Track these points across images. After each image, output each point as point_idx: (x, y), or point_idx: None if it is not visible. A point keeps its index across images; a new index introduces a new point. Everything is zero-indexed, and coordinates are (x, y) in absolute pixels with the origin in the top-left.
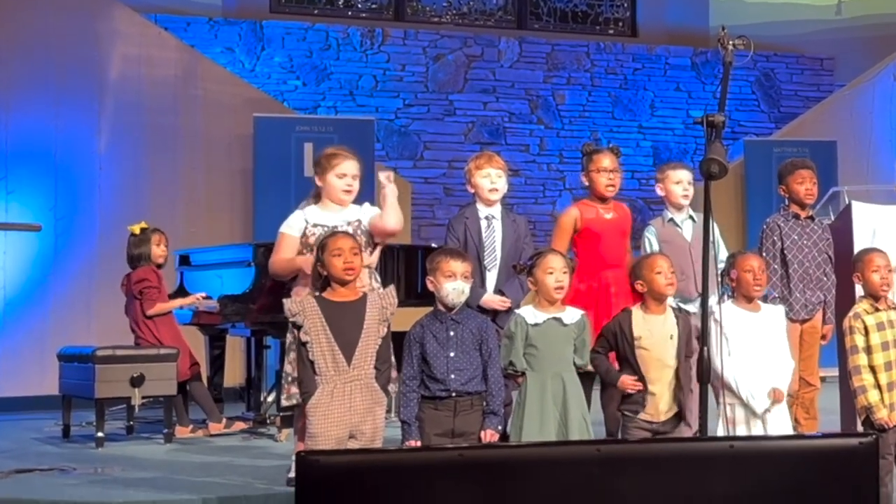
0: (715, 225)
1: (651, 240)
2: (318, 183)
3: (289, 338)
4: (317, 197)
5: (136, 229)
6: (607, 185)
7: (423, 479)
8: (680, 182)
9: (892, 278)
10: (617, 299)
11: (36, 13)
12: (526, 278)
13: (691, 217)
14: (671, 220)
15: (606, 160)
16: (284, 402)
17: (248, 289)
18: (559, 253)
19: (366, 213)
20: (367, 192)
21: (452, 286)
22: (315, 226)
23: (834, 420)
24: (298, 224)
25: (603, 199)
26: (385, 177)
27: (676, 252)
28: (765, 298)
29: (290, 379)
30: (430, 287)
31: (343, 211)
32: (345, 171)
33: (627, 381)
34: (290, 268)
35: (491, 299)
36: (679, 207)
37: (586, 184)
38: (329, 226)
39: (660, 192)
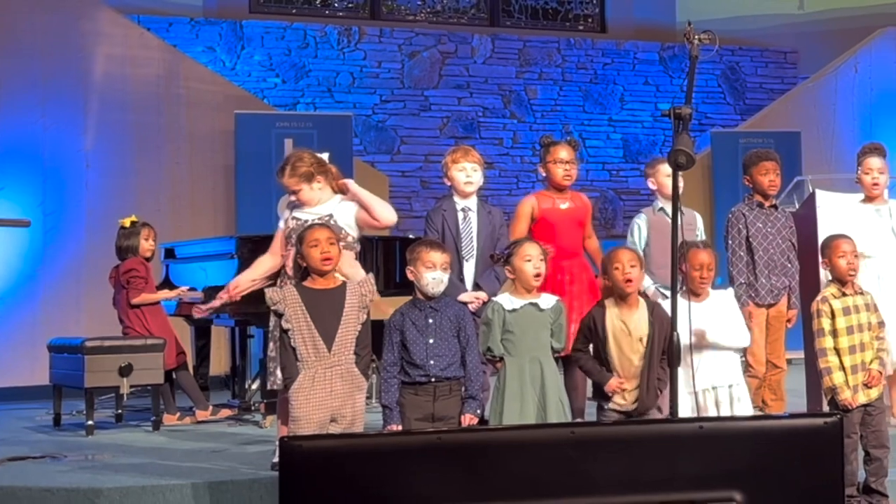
0: (699, 217)
1: (641, 226)
2: None
3: (272, 325)
4: None
5: (127, 222)
6: (564, 175)
7: (403, 462)
8: (670, 175)
9: (859, 264)
10: (570, 287)
11: (22, 15)
12: (503, 268)
13: (679, 209)
14: (661, 209)
15: (563, 152)
16: (270, 386)
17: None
18: (535, 241)
19: (340, 210)
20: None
21: (432, 276)
22: (293, 218)
23: (800, 401)
24: (285, 216)
25: (560, 189)
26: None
27: (663, 240)
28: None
29: (273, 365)
30: (411, 277)
31: (317, 207)
32: (287, 185)
33: (614, 384)
34: (264, 272)
35: (465, 298)
36: (669, 198)
37: (543, 175)
38: (302, 219)
39: (651, 185)
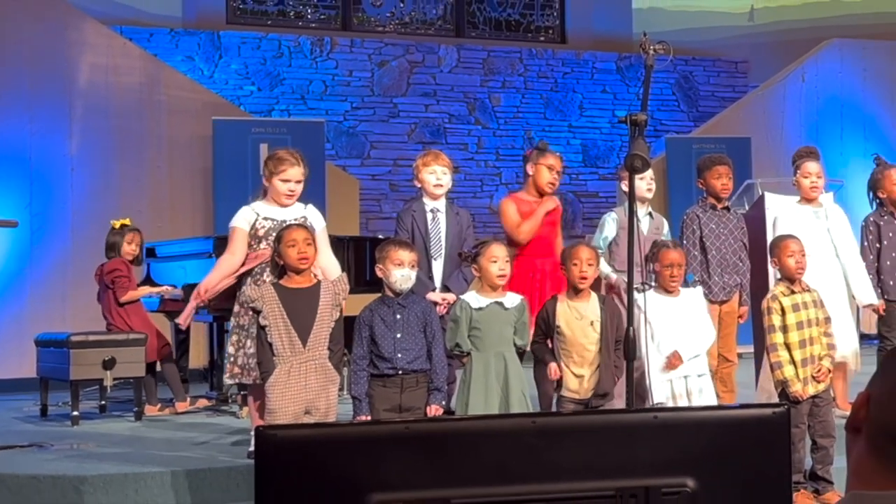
0: (665, 223)
1: (611, 225)
2: (265, 183)
3: (232, 321)
4: (265, 193)
5: (117, 224)
6: (549, 181)
7: (372, 450)
8: (643, 178)
9: (806, 262)
10: (542, 284)
11: (10, 26)
12: (470, 266)
13: (650, 214)
14: None
15: (554, 160)
16: (227, 381)
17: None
18: (502, 242)
19: (310, 213)
20: (317, 190)
21: (400, 273)
22: (266, 219)
23: (750, 393)
24: (248, 217)
25: (541, 195)
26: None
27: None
28: (686, 283)
29: (231, 359)
30: (380, 274)
31: (290, 208)
32: (289, 178)
33: (552, 369)
34: (232, 271)
35: (434, 298)
36: (642, 201)
37: (530, 173)
38: (278, 219)
39: (624, 187)
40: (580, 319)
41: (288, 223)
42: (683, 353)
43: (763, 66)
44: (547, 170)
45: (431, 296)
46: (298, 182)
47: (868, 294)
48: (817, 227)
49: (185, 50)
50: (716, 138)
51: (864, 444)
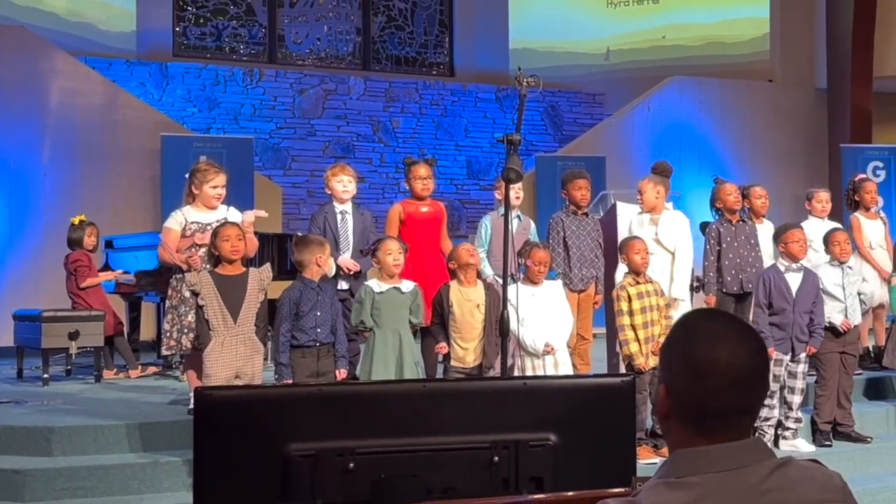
0: (532, 224)
1: (487, 225)
2: (195, 191)
3: (167, 303)
4: (190, 198)
5: (76, 220)
6: (422, 188)
7: (291, 408)
8: (512, 188)
9: (650, 259)
10: (428, 272)
11: None
12: (371, 258)
13: (518, 216)
14: (503, 214)
15: (422, 170)
16: (164, 352)
17: (158, 266)
18: (396, 239)
19: (231, 214)
20: (247, 196)
21: (332, 263)
22: (192, 223)
23: (602, 366)
24: (179, 220)
25: (420, 198)
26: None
27: (502, 240)
28: (549, 277)
29: (168, 334)
30: (319, 263)
31: (214, 211)
32: (217, 184)
33: (439, 347)
34: (170, 260)
35: (346, 263)
36: (512, 207)
37: (407, 188)
38: (203, 223)
39: (498, 196)
40: (469, 302)
41: (220, 222)
42: (553, 341)
43: (616, 98)
44: (416, 181)
45: (342, 260)
46: (224, 187)
47: (677, 290)
48: (647, 233)
49: (139, 77)
50: (577, 157)
51: (677, 425)
